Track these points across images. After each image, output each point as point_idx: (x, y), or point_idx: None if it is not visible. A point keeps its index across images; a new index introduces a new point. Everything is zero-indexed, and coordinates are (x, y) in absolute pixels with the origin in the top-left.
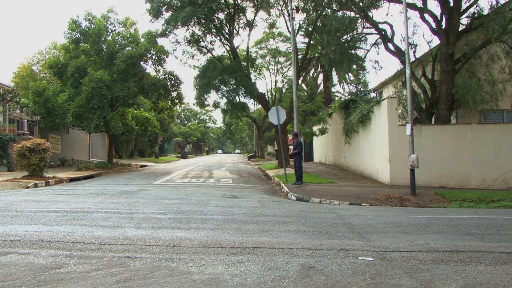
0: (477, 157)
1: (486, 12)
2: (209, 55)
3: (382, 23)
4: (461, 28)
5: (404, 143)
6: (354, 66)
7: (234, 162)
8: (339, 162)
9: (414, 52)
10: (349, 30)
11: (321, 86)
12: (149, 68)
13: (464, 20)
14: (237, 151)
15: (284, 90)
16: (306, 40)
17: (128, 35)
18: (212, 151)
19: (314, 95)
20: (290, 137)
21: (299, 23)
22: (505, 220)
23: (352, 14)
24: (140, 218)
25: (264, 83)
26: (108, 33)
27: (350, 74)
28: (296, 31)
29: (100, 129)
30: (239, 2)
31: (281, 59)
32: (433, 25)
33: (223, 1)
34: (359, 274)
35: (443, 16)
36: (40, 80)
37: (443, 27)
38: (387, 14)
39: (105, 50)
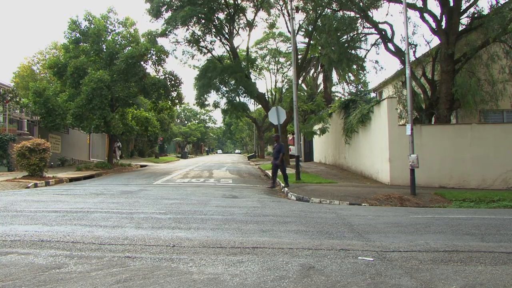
0: (477, 157)
1: (486, 12)
2: (209, 55)
3: (382, 23)
4: (461, 28)
5: (404, 143)
6: (354, 66)
7: (234, 162)
8: (339, 162)
9: (414, 52)
10: (349, 30)
11: (321, 86)
12: (149, 68)
13: (464, 20)
14: (237, 151)
15: (284, 90)
16: (306, 40)
17: (128, 35)
18: (212, 151)
19: (314, 95)
20: (290, 137)
21: (299, 23)
22: (505, 220)
23: (352, 14)
24: (140, 218)
25: (264, 83)
26: (108, 33)
27: (350, 74)
28: (296, 31)
29: (100, 129)
30: (239, 2)
31: (281, 59)
32: (433, 25)
33: (223, 1)
34: (359, 274)
35: (443, 16)
36: (40, 80)
37: (443, 27)
38: (387, 14)
39: (105, 50)
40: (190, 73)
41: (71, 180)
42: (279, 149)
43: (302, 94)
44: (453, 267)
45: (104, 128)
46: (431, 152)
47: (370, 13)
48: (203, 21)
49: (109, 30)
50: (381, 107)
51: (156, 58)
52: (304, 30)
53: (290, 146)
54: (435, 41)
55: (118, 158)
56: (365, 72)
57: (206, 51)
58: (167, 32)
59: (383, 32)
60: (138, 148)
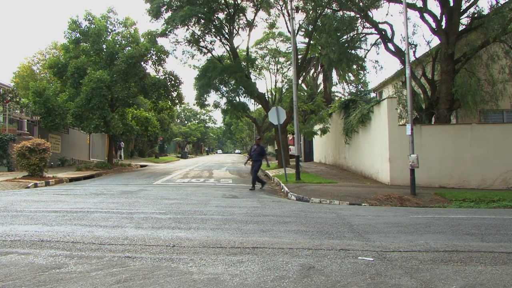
0: (477, 157)
1: (486, 12)
2: (209, 55)
3: (382, 23)
4: (461, 28)
5: (404, 143)
6: (354, 66)
7: (234, 162)
8: (339, 162)
9: (414, 52)
10: (349, 30)
11: (321, 86)
12: (149, 68)
13: (464, 20)
14: (237, 151)
15: (284, 90)
16: (306, 40)
17: (128, 35)
18: (212, 151)
19: (314, 95)
20: (290, 137)
21: (299, 23)
22: (505, 220)
23: (352, 14)
24: (140, 218)
25: (264, 83)
26: (108, 33)
27: (350, 74)
28: (296, 31)
29: (100, 129)
30: (239, 2)
31: (281, 59)
32: (433, 25)
33: (223, 1)
34: (359, 274)
35: (443, 16)
36: (40, 80)
37: (443, 27)
38: (387, 14)
39: (105, 50)
40: (190, 73)
41: (71, 180)
42: (261, 151)
43: (302, 94)
44: (453, 267)
45: (103, 128)
46: (431, 152)
47: (370, 13)
48: (203, 21)
49: (109, 30)
50: (381, 107)
51: (156, 58)
52: (304, 30)
53: (290, 146)
54: (435, 41)
55: (118, 158)
56: (365, 72)
57: (206, 51)
58: (167, 32)
59: (383, 32)
60: (138, 148)
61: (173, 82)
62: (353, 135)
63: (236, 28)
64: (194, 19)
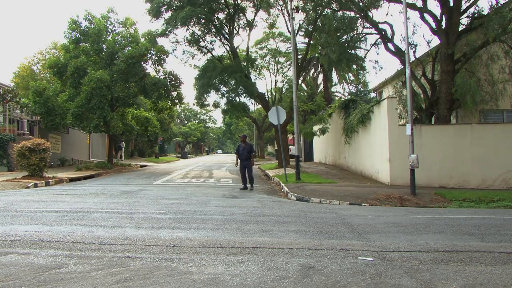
0: (477, 157)
1: (486, 12)
2: (209, 55)
3: (382, 23)
4: (461, 28)
5: (404, 143)
6: (354, 66)
7: (234, 162)
8: (339, 162)
9: (414, 52)
10: (349, 30)
11: (321, 86)
12: (149, 68)
13: (464, 20)
14: None
15: (284, 90)
16: (306, 40)
17: (128, 35)
18: (212, 151)
19: (314, 95)
20: (290, 137)
21: (299, 23)
22: (505, 220)
23: (352, 14)
24: (140, 218)
25: (264, 83)
26: (108, 33)
27: (350, 74)
28: (296, 31)
29: (100, 129)
30: (239, 2)
31: (281, 59)
32: (433, 25)
33: (223, 1)
34: (359, 274)
35: (443, 16)
36: (40, 80)
37: (443, 27)
38: (387, 14)
39: (105, 50)
40: (190, 73)
41: (71, 180)
42: (250, 149)
43: (302, 94)
44: (453, 267)
45: (103, 128)
46: (431, 152)
47: (370, 13)
48: (203, 21)
49: (109, 30)
50: (381, 107)
51: (156, 58)
52: (304, 30)
53: (290, 146)
54: (435, 41)
55: (119, 158)
56: (365, 72)
57: (206, 51)
58: (167, 32)
59: (383, 32)
60: (138, 148)
61: (173, 82)
62: (353, 135)
63: (236, 28)
64: (194, 19)
